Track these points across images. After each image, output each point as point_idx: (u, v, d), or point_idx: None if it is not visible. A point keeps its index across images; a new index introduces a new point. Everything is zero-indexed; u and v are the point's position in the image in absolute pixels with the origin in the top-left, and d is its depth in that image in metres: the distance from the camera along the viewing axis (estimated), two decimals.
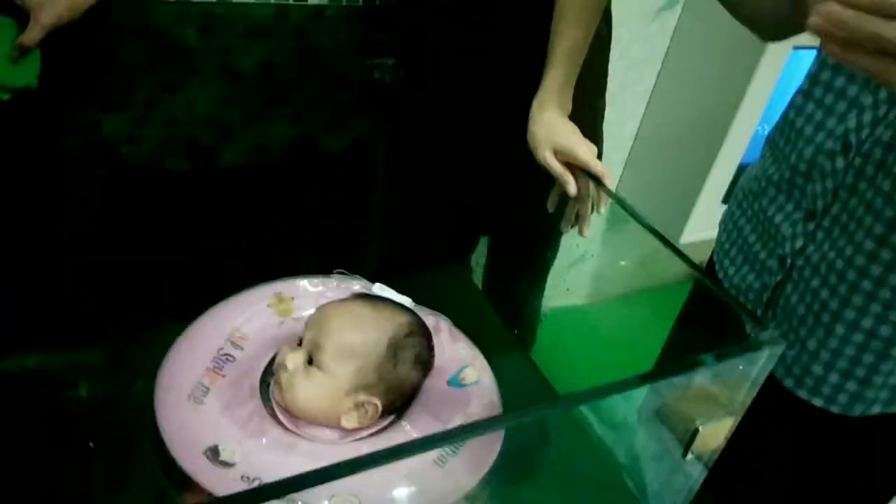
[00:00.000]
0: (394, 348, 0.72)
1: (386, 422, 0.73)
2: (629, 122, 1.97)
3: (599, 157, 0.87)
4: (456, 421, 0.73)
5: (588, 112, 1.07)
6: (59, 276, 0.99)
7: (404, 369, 0.72)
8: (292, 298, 0.85)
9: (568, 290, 1.19)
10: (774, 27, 0.77)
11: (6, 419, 0.68)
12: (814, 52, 0.77)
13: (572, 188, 0.84)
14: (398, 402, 0.74)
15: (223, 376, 0.73)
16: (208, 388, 0.71)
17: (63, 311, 0.90)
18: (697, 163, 1.96)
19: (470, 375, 0.80)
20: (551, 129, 0.87)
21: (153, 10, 1.04)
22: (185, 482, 0.61)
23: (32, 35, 0.81)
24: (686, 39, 1.81)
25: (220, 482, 0.61)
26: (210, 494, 0.60)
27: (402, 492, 0.64)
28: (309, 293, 0.87)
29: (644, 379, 0.58)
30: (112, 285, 0.98)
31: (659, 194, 2.05)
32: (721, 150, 1.90)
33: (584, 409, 0.85)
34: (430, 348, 0.77)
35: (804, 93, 0.75)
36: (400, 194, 1.24)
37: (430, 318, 0.83)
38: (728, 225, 0.89)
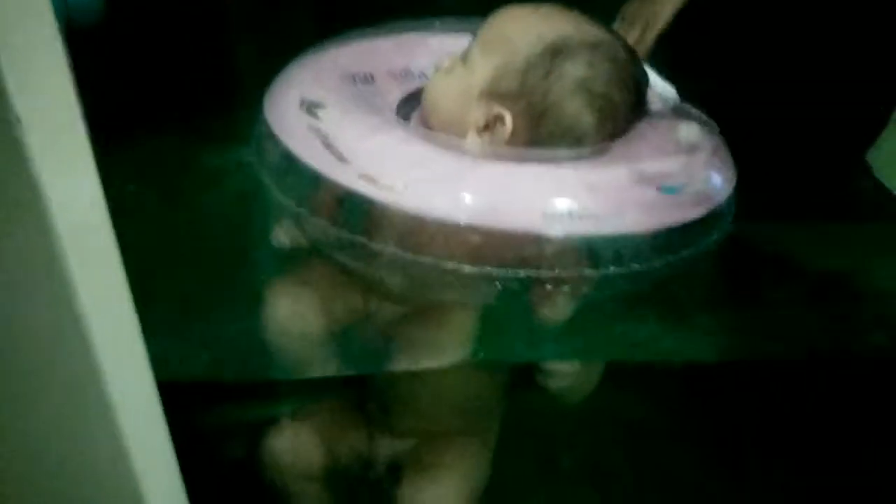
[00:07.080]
0: (553, 53, 0.51)
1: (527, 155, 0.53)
2: None
3: None
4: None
5: None
6: None
7: (560, 88, 0.51)
8: None
9: None
10: None
11: None
12: None
13: None
14: (547, 138, 0.52)
15: (392, 77, 0.62)
16: (373, 78, 0.61)
17: None
18: None
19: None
20: None
21: None
22: None
23: None
24: None
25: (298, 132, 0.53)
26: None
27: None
28: None
29: None
30: None
31: None
32: None
33: None
34: (626, 91, 0.52)
35: None
36: None
37: (694, 124, 0.58)
38: None
